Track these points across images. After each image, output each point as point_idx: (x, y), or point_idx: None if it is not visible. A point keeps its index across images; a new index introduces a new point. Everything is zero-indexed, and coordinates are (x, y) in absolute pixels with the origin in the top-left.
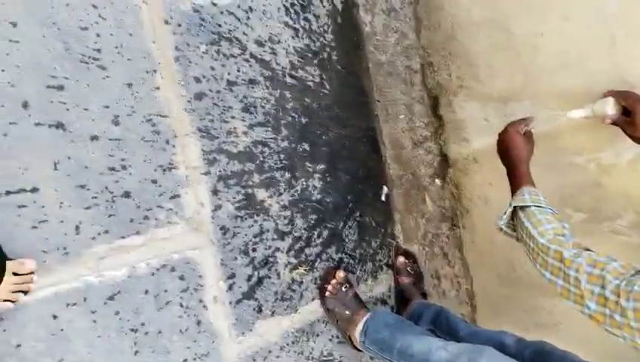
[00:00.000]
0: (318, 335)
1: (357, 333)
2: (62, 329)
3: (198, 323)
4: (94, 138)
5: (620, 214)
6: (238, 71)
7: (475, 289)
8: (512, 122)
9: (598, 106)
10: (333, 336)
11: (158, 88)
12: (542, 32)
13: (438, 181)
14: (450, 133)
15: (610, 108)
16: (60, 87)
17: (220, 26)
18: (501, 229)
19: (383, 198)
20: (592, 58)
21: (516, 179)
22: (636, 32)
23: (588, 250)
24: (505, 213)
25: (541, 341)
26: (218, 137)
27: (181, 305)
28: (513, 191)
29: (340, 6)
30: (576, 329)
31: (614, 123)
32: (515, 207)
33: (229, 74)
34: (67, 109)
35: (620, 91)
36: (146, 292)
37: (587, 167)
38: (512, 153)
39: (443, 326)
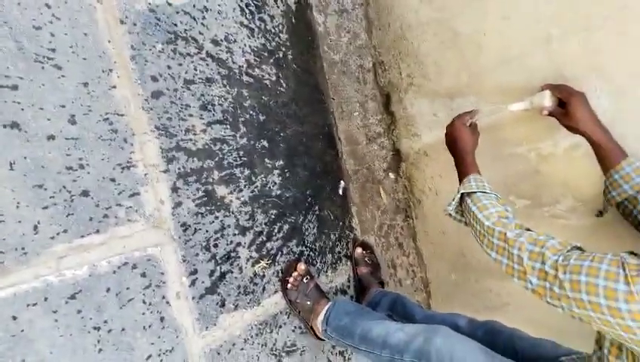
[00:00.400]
0: (281, 326)
1: (319, 323)
2: (22, 330)
3: (162, 319)
4: (51, 137)
5: (558, 200)
6: (195, 70)
7: (429, 277)
8: (458, 115)
9: (536, 99)
10: (295, 327)
11: (114, 87)
12: (484, 32)
13: (391, 175)
14: (402, 129)
15: (547, 100)
16: (14, 87)
17: (175, 25)
18: (450, 215)
19: (340, 192)
20: (530, 55)
21: (463, 168)
22: (570, 31)
23: (529, 230)
24: (453, 199)
25: (492, 320)
26: (176, 135)
27: (144, 302)
28: (461, 180)
29: (293, 7)
30: (522, 309)
31: (551, 114)
32: (462, 193)
33: (186, 72)
34: (22, 109)
35: (555, 85)
36: (108, 290)
37: (528, 156)
38: (459, 144)
39: (400, 312)
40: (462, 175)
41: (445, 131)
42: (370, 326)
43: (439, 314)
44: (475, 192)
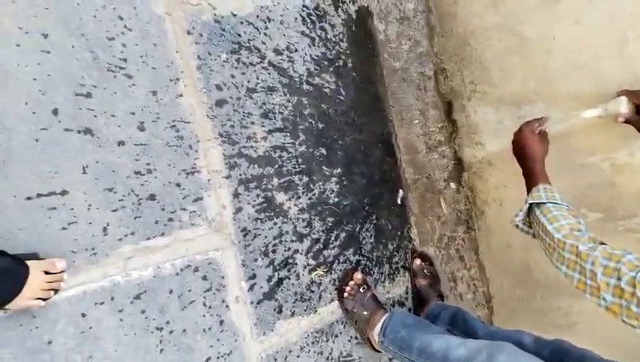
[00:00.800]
0: (337, 336)
1: (375, 334)
2: (90, 327)
3: (221, 322)
4: (121, 143)
5: (635, 213)
6: (258, 78)
7: (491, 292)
8: (526, 122)
9: (611, 106)
10: (352, 337)
11: (181, 95)
12: (554, 36)
13: (453, 184)
14: (465, 137)
15: (624, 107)
16: (89, 95)
17: (239, 35)
18: (517, 226)
19: (399, 202)
20: (603, 59)
21: (532, 177)
22: None
23: (603, 243)
24: (521, 210)
25: (559, 339)
26: (238, 142)
27: (204, 305)
28: (529, 190)
29: (354, 15)
30: (593, 328)
31: (628, 121)
32: (531, 204)
33: (248, 81)
34: (95, 116)
35: (633, 90)
36: (171, 291)
37: (601, 166)
38: (528, 152)
39: (460, 327)
40: (530, 185)
41: (513, 139)
42: (429, 339)
43: (503, 331)
44: (545, 203)
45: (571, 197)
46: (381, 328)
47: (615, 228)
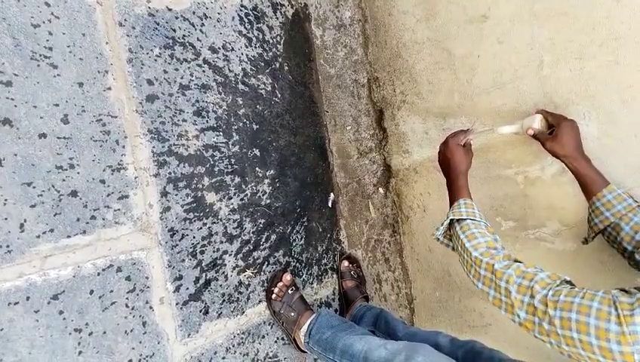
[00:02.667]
0: (263, 337)
1: (302, 334)
2: (1, 329)
3: (144, 324)
4: (42, 135)
5: (544, 223)
6: (191, 75)
7: (413, 293)
8: (452, 133)
9: (527, 123)
10: (278, 338)
11: (109, 89)
12: (478, 54)
13: (381, 190)
14: (393, 145)
15: (537, 124)
16: (9, 83)
17: (174, 30)
18: (438, 239)
19: (330, 205)
20: (522, 79)
21: (454, 190)
22: (562, 58)
23: (518, 261)
24: (442, 224)
25: (472, 340)
26: (169, 140)
27: (127, 306)
28: (451, 202)
29: (292, 19)
30: (504, 330)
31: (535, 136)
32: (451, 219)
33: (182, 78)
34: (15, 106)
35: (550, 112)
36: (92, 292)
37: (516, 179)
38: (452, 164)
39: (382, 328)
40: (452, 197)
41: (438, 150)
42: (352, 340)
43: (421, 332)
44: (465, 219)
45: (489, 207)
46: (307, 329)
47: (527, 236)
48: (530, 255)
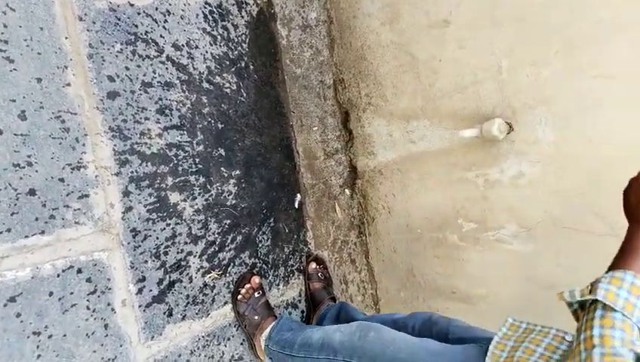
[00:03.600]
0: (229, 339)
1: (262, 338)
2: None
3: (106, 326)
4: None
5: (503, 225)
6: (154, 73)
7: (379, 294)
8: None
9: (485, 127)
10: (244, 340)
11: (69, 85)
12: (440, 58)
13: (347, 191)
14: (359, 147)
15: (496, 129)
16: None
17: (136, 26)
18: (565, 300)
19: (296, 206)
20: (482, 83)
21: (632, 249)
22: (520, 64)
23: None
24: (581, 293)
25: (430, 312)
26: (131, 138)
27: (88, 308)
28: (618, 260)
29: (257, 17)
30: None
31: None
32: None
33: (144, 75)
34: None
35: None
36: (51, 294)
37: (476, 181)
38: None
39: (344, 320)
40: (624, 255)
41: (630, 185)
42: (309, 334)
43: (378, 315)
44: (615, 311)
45: (450, 208)
46: (269, 332)
47: (487, 237)
48: (491, 256)
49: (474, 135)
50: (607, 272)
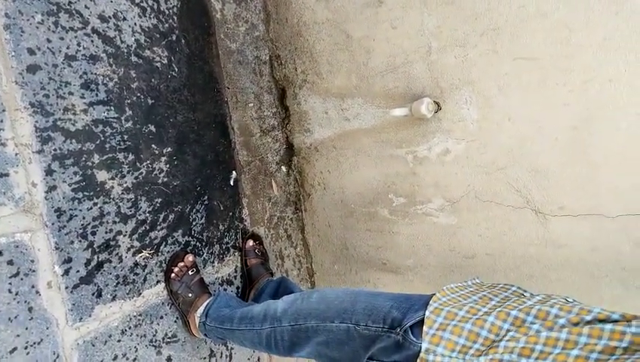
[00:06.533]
0: (162, 317)
1: (197, 315)
2: None
3: (30, 309)
4: None
5: (430, 199)
6: (79, 45)
7: (314, 268)
8: None
9: (415, 106)
10: (177, 318)
11: None
12: (374, 38)
13: (283, 168)
14: (295, 124)
15: (424, 108)
16: None
17: None
18: None
19: (232, 183)
20: (412, 64)
21: None
22: (447, 45)
23: None
24: None
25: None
26: (54, 114)
27: (10, 291)
28: None
29: None
30: None
31: None
32: None
33: (67, 48)
34: None
35: None
36: None
37: (406, 158)
38: None
39: (283, 294)
40: None
41: None
42: (250, 308)
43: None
44: None
45: (382, 184)
46: (204, 309)
47: (415, 211)
48: (418, 229)
49: (404, 113)
50: None
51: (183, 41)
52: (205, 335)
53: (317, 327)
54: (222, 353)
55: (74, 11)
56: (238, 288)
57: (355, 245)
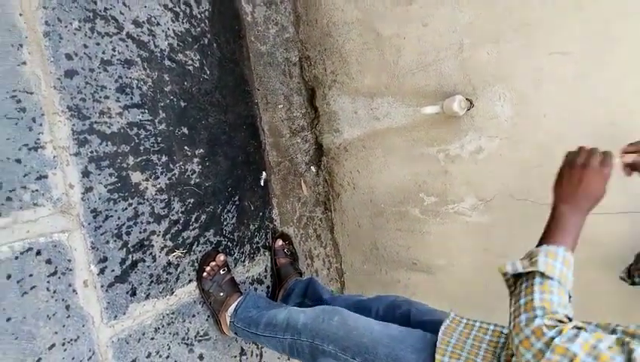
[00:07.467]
0: (194, 316)
1: (228, 315)
2: None
3: (67, 307)
4: None
5: (462, 198)
6: (114, 50)
7: (343, 268)
8: (604, 158)
9: (447, 104)
10: (209, 317)
11: (24, 63)
12: (404, 36)
13: (313, 168)
14: (325, 124)
15: (457, 105)
16: None
17: (94, 3)
18: (504, 274)
19: (262, 183)
20: (444, 61)
21: (566, 228)
22: (479, 41)
23: (581, 328)
24: (523, 265)
25: (395, 295)
26: (90, 117)
27: (48, 290)
28: (549, 235)
29: None
30: (427, 298)
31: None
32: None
33: (103, 53)
34: None
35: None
36: (9, 276)
37: (437, 156)
38: (589, 196)
39: (311, 296)
40: (557, 232)
41: (585, 168)
42: (275, 313)
43: (344, 296)
44: (552, 278)
45: (413, 183)
46: (234, 309)
47: (447, 210)
48: (450, 228)
49: (436, 111)
50: (539, 245)
51: (214, 44)
52: (235, 334)
53: (336, 354)
54: (252, 352)
55: (109, 17)
56: (268, 287)
57: (385, 245)
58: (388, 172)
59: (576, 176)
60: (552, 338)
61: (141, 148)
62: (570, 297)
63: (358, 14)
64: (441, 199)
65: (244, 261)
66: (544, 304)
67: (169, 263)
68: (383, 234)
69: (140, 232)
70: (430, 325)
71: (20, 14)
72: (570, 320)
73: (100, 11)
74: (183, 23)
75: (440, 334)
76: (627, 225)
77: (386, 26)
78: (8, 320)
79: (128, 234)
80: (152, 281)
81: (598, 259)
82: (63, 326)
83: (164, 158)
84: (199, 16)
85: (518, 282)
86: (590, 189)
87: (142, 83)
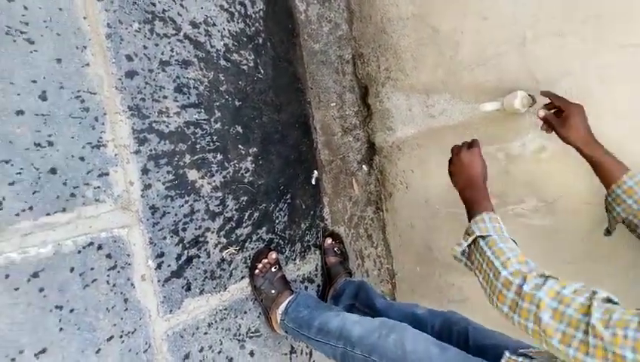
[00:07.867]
0: (246, 312)
1: (279, 312)
2: None
3: (126, 300)
4: (20, 113)
5: (523, 199)
6: (172, 51)
7: (395, 269)
8: (475, 141)
9: (508, 100)
10: (260, 314)
11: (88, 65)
12: (462, 30)
13: (365, 167)
14: (378, 122)
15: (518, 102)
16: None
17: (154, 5)
18: (455, 257)
19: (313, 182)
20: (505, 55)
21: (475, 202)
22: (543, 34)
23: (549, 277)
24: (465, 240)
25: (450, 311)
26: (149, 116)
27: (108, 283)
28: (471, 216)
29: None
30: (483, 304)
31: (546, 121)
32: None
33: (162, 53)
34: None
35: (552, 93)
36: (72, 269)
37: (497, 155)
38: (471, 174)
39: (363, 300)
40: (473, 211)
41: (458, 156)
42: (327, 318)
43: (398, 304)
44: (491, 235)
45: None
46: (285, 307)
47: (506, 212)
48: (510, 230)
49: (496, 108)
50: (469, 222)
51: (268, 43)
52: (286, 332)
53: None
54: (302, 350)
55: (167, 18)
56: (318, 286)
57: (439, 247)
58: (444, 171)
59: (457, 165)
60: (521, 286)
61: (197, 146)
62: (514, 241)
63: (414, 9)
64: (501, 200)
65: (295, 259)
66: (498, 255)
67: (222, 259)
68: (438, 235)
69: (196, 229)
70: (492, 350)
71: (84, 17)
72: (527, 263)
73: (159, 13)
74: (238, 22)
75: None
76: None
77: (443, 20)
78: (72, 311)
79: (184, 230)
80: (206, 277)
81: None
82: (121, 318)
83: (219, 157)
84: (254, 15)
85: (472, 257)
86: (472, 166)
87: (198, 83)
